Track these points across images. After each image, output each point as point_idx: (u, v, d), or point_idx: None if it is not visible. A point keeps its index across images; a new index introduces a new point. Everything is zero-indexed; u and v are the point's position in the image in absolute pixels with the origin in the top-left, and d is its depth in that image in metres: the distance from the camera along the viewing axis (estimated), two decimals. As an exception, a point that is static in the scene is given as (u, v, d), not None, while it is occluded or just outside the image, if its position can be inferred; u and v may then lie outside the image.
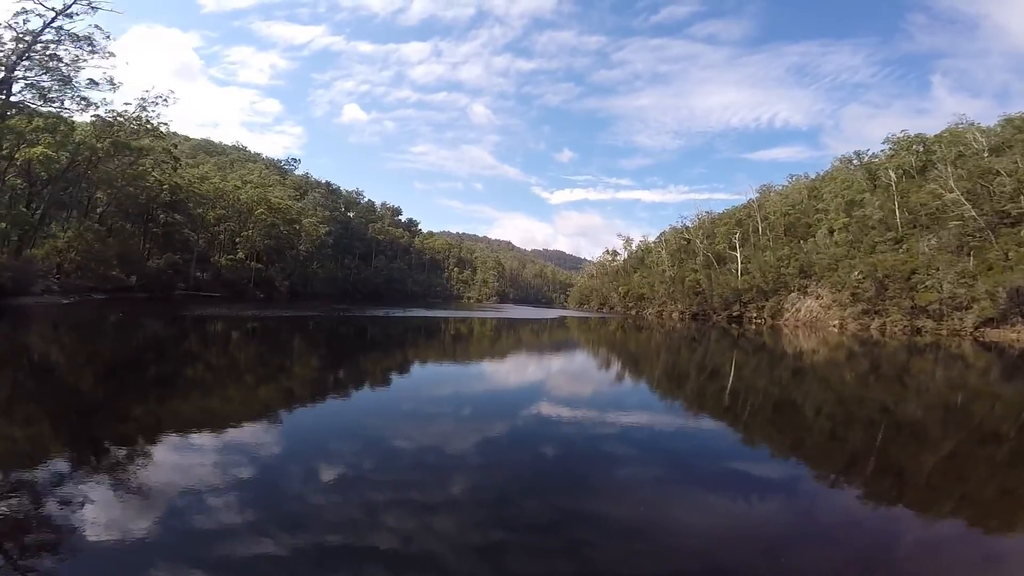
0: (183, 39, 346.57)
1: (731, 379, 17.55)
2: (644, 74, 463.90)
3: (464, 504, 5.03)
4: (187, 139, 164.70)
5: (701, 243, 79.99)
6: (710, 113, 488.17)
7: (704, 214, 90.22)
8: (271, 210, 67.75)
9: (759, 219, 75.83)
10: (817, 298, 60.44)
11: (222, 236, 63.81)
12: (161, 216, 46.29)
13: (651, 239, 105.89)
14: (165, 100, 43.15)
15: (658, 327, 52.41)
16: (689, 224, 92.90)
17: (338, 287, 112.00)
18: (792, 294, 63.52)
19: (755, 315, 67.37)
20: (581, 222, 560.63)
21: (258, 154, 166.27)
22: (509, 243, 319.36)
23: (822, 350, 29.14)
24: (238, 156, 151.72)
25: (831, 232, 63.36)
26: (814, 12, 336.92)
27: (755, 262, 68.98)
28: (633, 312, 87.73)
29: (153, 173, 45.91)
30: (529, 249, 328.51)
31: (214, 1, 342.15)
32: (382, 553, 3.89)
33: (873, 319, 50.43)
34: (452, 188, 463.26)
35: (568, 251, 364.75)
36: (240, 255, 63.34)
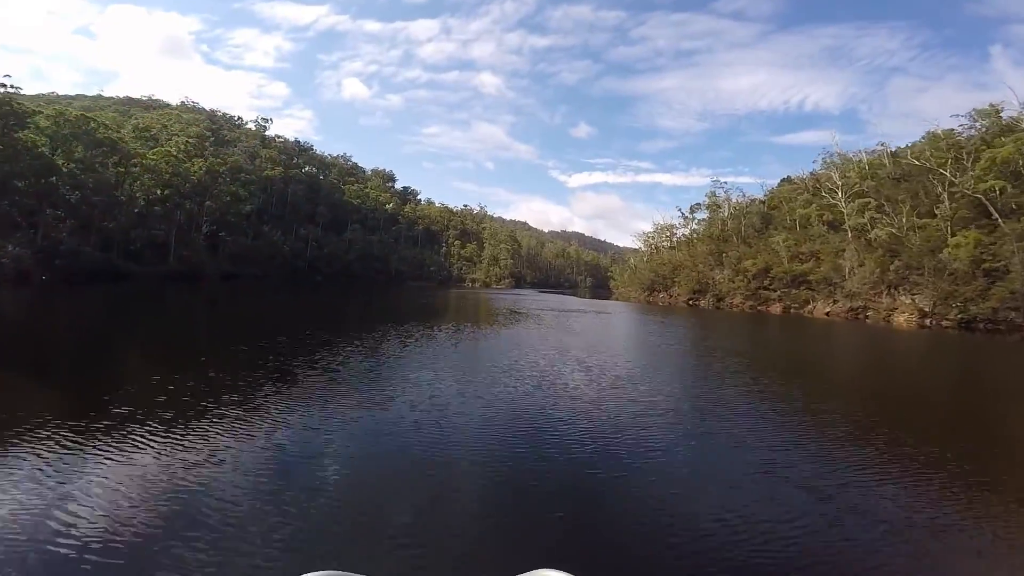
0: (182, 22, 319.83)
1: None
2: (666, 51, 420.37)
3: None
4: (115, 97, 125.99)
5: (951, 173, 38.21)
6: (737, 95, 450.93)
7: (876, 147, 48.81)
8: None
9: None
10: None
11: None
12: None
13: (753, 193, 64.14)
14: None
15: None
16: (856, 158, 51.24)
17: (263, 265, 72.09)
18: None
19: None
20: (599, 203, 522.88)
21: (215, 111, 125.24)
22: (525, 223, 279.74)
23: None
24: (184, 111, 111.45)
25: None
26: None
27: None
28: (779, 307, 46.62)
29: None
30: (546, 231, 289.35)
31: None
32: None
33: None
34: (463, 168, 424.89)
35: (587, 233, 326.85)
36: None
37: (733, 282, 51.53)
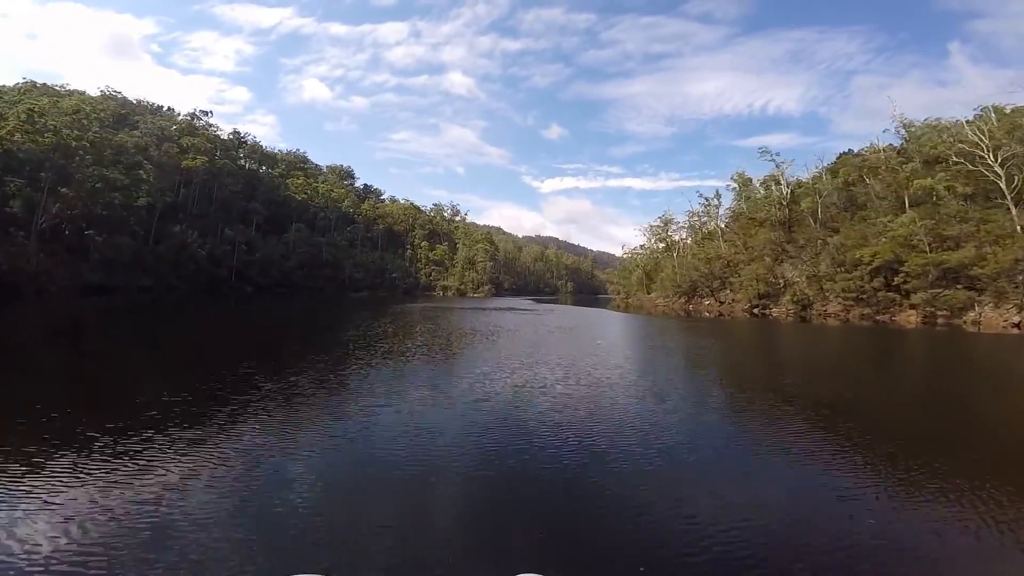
0: (136, 24, 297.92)
1: None
2: (635, 55, 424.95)
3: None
4: (27, 83, 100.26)
5: None
6: (703, 100, 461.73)
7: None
8: None
9: None
10: None
11: None
12: None
13: (809, 168, 49.87)
14: None
15: None
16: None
17: (162, 274, 52.75)
18: None
19: None
20: (570, 208, 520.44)
21: (140, 100, 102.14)
22: (499, 228, 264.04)
23: None
24: (101, 98, 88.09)
25: None
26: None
27: None
28: (915, 317, 31.70)
29: None
30: (520, 236, 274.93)
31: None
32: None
33: None
34: (434, 174, 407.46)
35: (560, 238, 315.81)
36: None
37: (834, 280, 36.41)
